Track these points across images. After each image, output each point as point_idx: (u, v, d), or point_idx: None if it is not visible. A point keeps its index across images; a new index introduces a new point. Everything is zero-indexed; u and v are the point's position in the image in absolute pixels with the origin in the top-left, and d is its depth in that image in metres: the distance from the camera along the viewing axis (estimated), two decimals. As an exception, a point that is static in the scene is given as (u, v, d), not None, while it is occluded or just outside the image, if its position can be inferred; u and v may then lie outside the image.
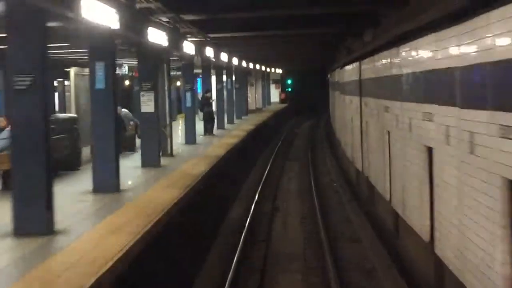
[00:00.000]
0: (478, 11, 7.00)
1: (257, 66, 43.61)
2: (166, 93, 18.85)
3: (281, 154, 31.62)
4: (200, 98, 27.97)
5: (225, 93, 34.18)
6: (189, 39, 19.44)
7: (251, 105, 46.46)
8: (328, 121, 46.80)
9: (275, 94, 64.09)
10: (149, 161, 16.48)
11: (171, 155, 19.09)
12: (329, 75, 38.96)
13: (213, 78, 31.61)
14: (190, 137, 22.93)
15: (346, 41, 22.81)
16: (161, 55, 17.82)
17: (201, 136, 26.05)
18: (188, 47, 19.51)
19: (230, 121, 34.17)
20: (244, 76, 41.35)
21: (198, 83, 32.65)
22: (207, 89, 27.59)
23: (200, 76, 30.98)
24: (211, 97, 27.15)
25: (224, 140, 24.52)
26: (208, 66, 28.23)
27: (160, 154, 17.34)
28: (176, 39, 17.51)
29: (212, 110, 26.91)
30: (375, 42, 15.97)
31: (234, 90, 36.43)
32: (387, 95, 13.32)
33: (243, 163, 24.08)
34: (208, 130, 26.66)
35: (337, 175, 23.62)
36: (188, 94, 23.09)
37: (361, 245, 13.58)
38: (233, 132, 28.78)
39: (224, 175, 18.91)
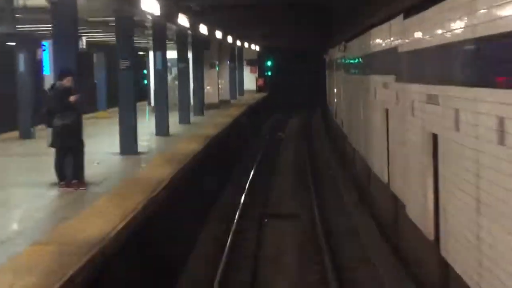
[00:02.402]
0: None
1: (219, 35, 26.74)
2: None
3: (258, 196, 16.22)
4: (48, 91, 10.93)
5: (150, 78, 17.79)
6: None
7: (212, 96, 29.76)
8: (325, 118, 34.47)
9: (250, 80, 46.60)
10: None
11: None
12: (341, 46, 22.45)
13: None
14: None
15: None
16: None
17: (52, 195, 9.64)
18: None
19: (161, 132, 17.77)
20: (197, 50, 24.71)
21: (45, 54, 15.55)
22: (63, 69, 10.41)
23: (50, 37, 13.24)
24: (73, 88, 10.09)
25: (101, 209, 8.19)
26: (69, 14, 10.70)
27: None
28: None
29: (77, 119, 10.20)
30: None
31: (172, 73, 19.92)
32: None
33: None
34: (68, 174, 10.08)
35: None
36: None
37: None
38: (148, 169, 12.34)
39: None
